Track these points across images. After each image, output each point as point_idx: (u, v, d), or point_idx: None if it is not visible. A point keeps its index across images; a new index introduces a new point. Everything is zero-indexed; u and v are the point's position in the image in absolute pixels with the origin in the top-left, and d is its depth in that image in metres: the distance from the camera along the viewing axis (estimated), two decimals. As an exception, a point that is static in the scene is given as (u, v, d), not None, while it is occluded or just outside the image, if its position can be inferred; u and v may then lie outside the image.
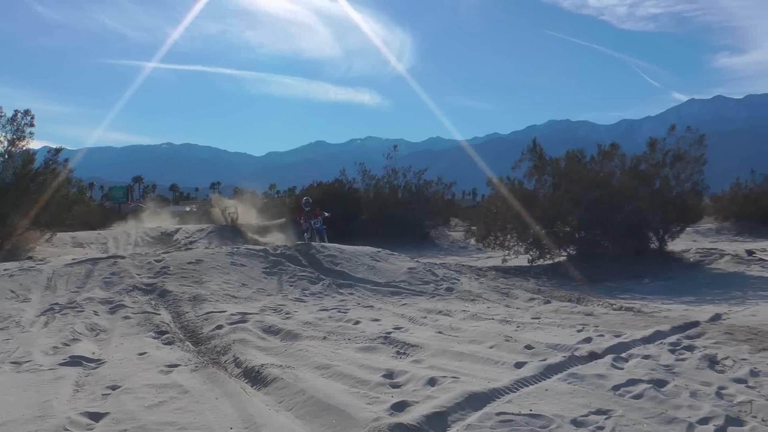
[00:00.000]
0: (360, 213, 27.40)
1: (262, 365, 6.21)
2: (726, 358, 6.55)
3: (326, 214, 22.62)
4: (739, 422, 4.75)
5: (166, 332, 8.19)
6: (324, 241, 20.07)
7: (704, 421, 4.76)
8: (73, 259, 12.89)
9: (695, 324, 8.29)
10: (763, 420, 4.82)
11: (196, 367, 6.45)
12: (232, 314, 8.98)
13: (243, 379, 6.06)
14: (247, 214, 32.48)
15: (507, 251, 17.55)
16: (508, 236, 17.60)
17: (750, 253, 17.02)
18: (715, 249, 17.96)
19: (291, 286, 11.63)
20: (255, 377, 6.00)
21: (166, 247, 22.34)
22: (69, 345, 7.49)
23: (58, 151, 22.18)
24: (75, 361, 6.72)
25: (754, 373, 6.01)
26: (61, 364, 6.58)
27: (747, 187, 34.05)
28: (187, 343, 7.75)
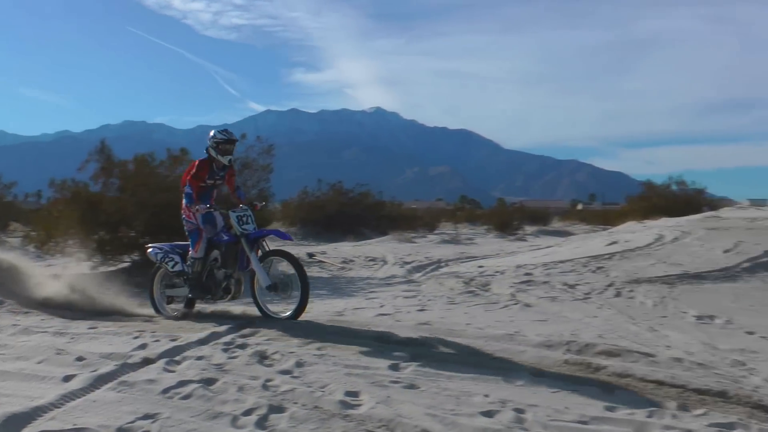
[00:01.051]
0: None
1: None
2: (276, 352, 6.97)
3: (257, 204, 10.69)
4: (281, 410, 5.11)
5: None
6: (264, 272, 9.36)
7: (248, 412, 5.04)
8: None
9: (251, 323, 8.68)
10: (303, 405, 5.22)
11: None
12: None
13: None
14: None
15: (69, 258, 16.66)
16: (71, 242, 16.71)
17: (311, 255, 18.38)
18: (280, 252, 18.97)
19: None
20: None
21: None
22: None
23: None
24: None
25: (299, 364, 6.49)
26: None
27: (314, 195, 36.91)
28: None
